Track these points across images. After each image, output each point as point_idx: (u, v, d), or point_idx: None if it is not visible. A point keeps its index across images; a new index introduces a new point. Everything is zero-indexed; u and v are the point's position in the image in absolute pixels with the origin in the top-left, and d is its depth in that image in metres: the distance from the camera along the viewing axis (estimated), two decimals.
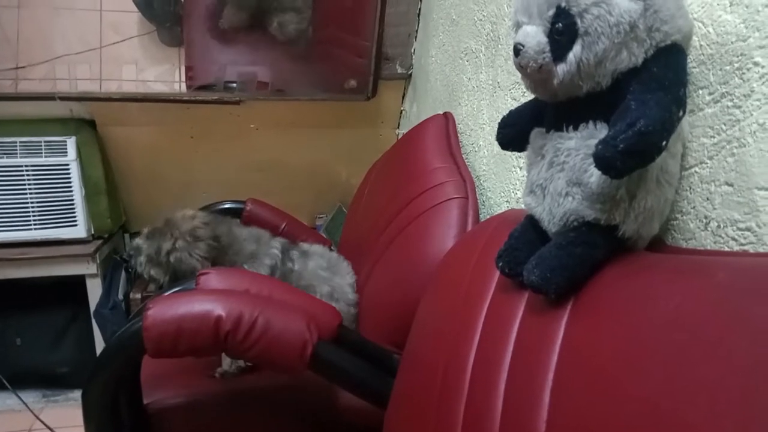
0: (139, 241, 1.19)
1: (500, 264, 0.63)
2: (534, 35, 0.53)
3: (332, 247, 1.58)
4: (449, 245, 0.93)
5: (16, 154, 1.68)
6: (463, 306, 0.70)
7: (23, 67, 1.67)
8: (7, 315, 1.87)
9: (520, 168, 0.98)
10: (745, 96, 0.52)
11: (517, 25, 0.56)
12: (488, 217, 0.93)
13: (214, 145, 1.93)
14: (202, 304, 0.79)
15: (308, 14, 1.73)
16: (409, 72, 1.87)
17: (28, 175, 1.69)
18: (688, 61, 0.56)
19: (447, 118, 1.33)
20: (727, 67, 0.54)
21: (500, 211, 1.02)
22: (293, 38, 1.73)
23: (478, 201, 1.03)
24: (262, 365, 0.82)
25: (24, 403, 1.63)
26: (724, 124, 0.54)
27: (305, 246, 1.29)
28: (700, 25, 0.57)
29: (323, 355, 0.82)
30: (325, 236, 1.81)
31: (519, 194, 0.99)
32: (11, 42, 1.65)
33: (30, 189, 1.70)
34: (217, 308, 0.78)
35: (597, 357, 0.49)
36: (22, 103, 1.68)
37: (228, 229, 1.21)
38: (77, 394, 1.89)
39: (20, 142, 1.68)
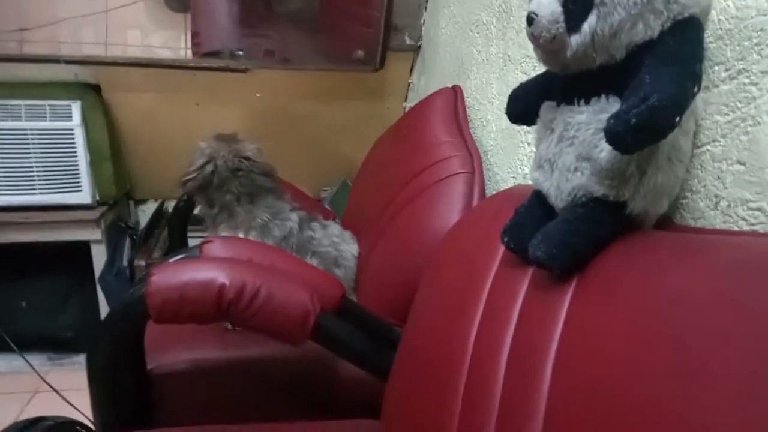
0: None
1: (506, 239, 0.63)
2: (548, 4, 0.51)
3: (336, 220, 1.58)
4: (454, 220, 0.93)
5: (21, 117, 1.67)
6: (467, 280, 0.70)
7: (27, 29, 1.65)
8: (13, 279, 1.88)
9: (528, 143, 0.97)
10: (762, 73, 0.50)
11: None
12: (494, 192, 0.92)
13: (219, 113, 1.91)
14: (206, 271, 0.80)
15: None
16: (418, 44, 1.84)
17: (32, 138, 1.69)
18: (706, 35, 0.55)
19: (455, 92, 1.31)
20: (746, 43, 0.52)
21: (507, 187, 1.01)
22: (293, 14, 1.70)
23: (485, 176, 1.03)
24: (264, 334, 0.83)
25: (30, 365, 1.65)
26: (740, 102, 0.53)
27: (324, 221, 1.31)
28: None
29: (325, 325, 0.83)
30: (329, 209, 1.80)
31: (526, 170, 0.98)
32: (15, 3, 1.63)
33: (34, 153, 1.70)
34: (220, 276, 0.78)
35: (600, 334, 0.49)
36: (26, 66, 1.67)
37: (265, 195, 1.21)
38: (82, 357, 1.91)
39: (25, 105, 1.67)
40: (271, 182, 1.24)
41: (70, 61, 1.66)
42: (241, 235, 1.16)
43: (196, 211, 1.48)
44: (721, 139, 0.55)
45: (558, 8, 0.51)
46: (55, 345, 1.92)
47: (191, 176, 1.18)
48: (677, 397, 0.39)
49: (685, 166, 0.56)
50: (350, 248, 1.25)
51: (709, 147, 0.56)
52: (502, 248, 0.66)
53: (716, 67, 0.56)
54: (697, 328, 0.41)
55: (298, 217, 1.23)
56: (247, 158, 1.20)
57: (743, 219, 0.52)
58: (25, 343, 1.78)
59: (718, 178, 0.55)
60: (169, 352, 1.01)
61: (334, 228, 1.28)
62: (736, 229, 0.53)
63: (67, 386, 1.65)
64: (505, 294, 0.63)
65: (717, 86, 0.56)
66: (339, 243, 1.24)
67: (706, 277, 0.43)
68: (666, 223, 0.60)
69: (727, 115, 0.54)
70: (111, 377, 0.87)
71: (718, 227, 0.55)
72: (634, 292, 0.48)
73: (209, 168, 1.17)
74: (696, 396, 0.38)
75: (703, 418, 0.37)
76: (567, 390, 0.49)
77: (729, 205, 0.54)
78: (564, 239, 0.54)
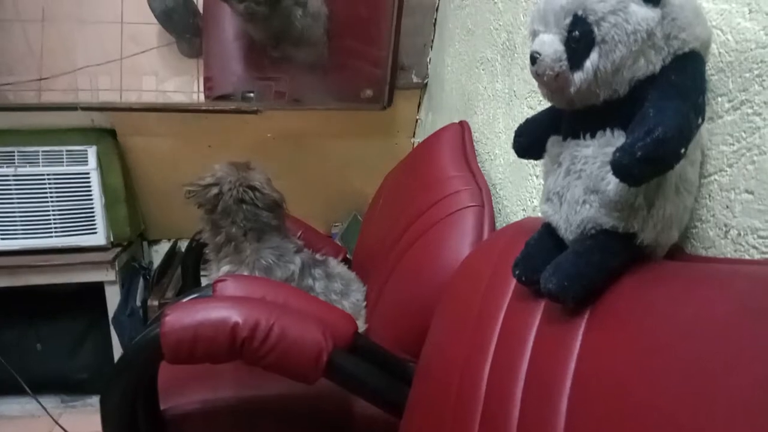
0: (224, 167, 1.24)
1: (517, 272, 0.63)
2: (551, 43, 0.53)
3: (348, 255, 1.59)
4: (465, 253, 0.93)
5: (39, 163, 1.71)
6: (479, 314, 0.70)
7: (46, 78, 1.71)
8: (29, 321, 1.90)
9: (537, 176, 0.98)
10: (765, 103, 0.51)
11: (534, 34, 0.56)
12: (504, 225, 0.93)
13: (231, 154, 1.92)
14: (219, 311, 0.80)
15: (322, 44, 1.75)
16: (425, 81, 1.88)
17: (49, 183, 1.72)
18: (707, 68, 0.56)
19: (463, 127, 1.33)
20: (747, 75, 0.53)
21: (516, 220, 1.01)
22: (301, 57, 1.76)
23: (494, 209, 1.03)
24: (278, 373, 0.83)
25: (44, 408, 1.64)
26: (744, 132, 0.53)
27: (332, 265, 1.29)
28: (719, 32, 0.57)
29: (338, 363, 0.82)
30: (340, 244, 1.81)
31: (535, 202, 0.98)
32: (35, 54, 1.69)
33: (51, 197, 1.73)
34: (233, 315, 0.79)
35: (615, 366, 0.48)
36: (45, 114, 1.72)
37: (271, 233, 1.21)
38: (95, 399, 1.91)
39: (42, 151, 1.71)
40: (276, 219, 1.23)
41: (86, 108, 1.70)
42: (245, 273, 1.17)
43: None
44: (728, 169, 0.55)
45: (560, 47, 0.52)
46: (69, 387, 1.92)
47: (194, 190, 1.20)
48: (694, 422, 0.38)
49: (693, 196, 0.56)
50: (350, 301, 1.24)
51: (716, 177, 0.57)
52: (513, 281, 0.66)
53: (719, 99, 0.57)
54: (711, 357, 0.40)
55: (301, 261, 1.22)
56: (254, 188, 1.20)
57: (754, 247, 0.52)
58: (39, 386, 1.78)
59: (727, 207, 0.55)
60: (183, 392, 1.00)
61: (338, 278, 1.26)
62: (747, 257, 0.53)
63: (80, 429, 1.64)
64: (518, 327, 0.63)
65: (721, 117, 0.57)
66: (338, 300, 1.23)
67: (720, 306, 0.43)
68: (677, 252, 0.60)
69: (732, 144, 0.55)
70: (125, 419, 0.86)
71: (729, 256, 0.55)
72: (647, 323, 0.48)
73: (213, 190, 1.18)
74: (713, 424, 0.37)
75: None
76: (583, 421, 0.49)
77: (739, 234, 0.54)
78: (575, 271, 0.54)
